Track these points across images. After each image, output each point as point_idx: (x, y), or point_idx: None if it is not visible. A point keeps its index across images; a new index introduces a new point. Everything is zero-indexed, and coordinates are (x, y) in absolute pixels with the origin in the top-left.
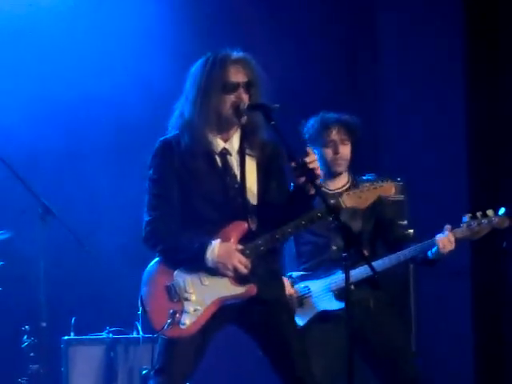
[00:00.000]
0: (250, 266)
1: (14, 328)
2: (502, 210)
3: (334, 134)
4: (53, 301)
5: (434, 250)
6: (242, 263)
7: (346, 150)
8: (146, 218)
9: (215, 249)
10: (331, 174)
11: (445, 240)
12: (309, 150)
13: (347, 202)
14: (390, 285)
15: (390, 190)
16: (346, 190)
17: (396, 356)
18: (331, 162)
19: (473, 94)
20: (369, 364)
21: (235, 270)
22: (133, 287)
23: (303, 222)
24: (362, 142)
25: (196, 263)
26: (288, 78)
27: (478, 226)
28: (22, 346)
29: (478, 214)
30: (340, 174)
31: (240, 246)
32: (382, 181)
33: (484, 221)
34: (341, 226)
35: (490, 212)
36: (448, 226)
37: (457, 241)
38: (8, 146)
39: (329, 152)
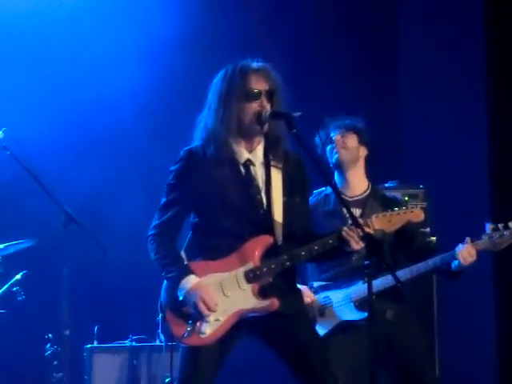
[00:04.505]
0: (215, 309)
1: (37, 336)
2: None
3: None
4: (76, 309)
5: (456, 262)
6: (206, 303)
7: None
8: (155, 220)
9: (189, 282)
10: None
11: (465, 253)
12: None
13: (376, 224)
14: (412, 291)
15: (419, 215)
16: (368, 195)
17: (416, 367)
18: None
19: (495, 102)
20: (390, 374)
21: (203, 307)
22: (156, 295)
23: (330, 241)
24: (384, 148)
25: (171, 284)
26: (308, 85)
27: (499, 238)
28: (46, 354)
29: (500, 225)
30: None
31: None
32: (412, 206)
33: (506, 232)
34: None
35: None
36: (468, 239)
37: (478, 252)
38: (30, 154)
39: None
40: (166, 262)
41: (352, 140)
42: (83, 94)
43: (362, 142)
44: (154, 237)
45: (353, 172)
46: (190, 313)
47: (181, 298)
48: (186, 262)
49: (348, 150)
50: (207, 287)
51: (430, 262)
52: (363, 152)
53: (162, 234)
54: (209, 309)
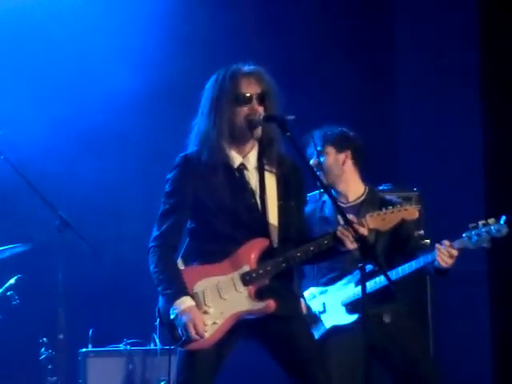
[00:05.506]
0: (204, 335)
1: (31, 340)
2: (502, 219)
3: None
4: (70, 313)
5: (436, 262)
6: (197, 327)
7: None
8: (155, 231)
9: (183, 304)
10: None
11: (442, 255)
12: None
13: (370, 223)
14: (406, 294)
15: (413, 213)
16: (363, 200)
17: (418, 367)
18: None
19: (490, 106)
20: (391, 376)
21: (193, 330)
22: (150, 299)
23: (325, 242)
24: (379, 151)
25: (166, 299)
26: (304, 87)
27: (477, 236)
28: (40, 358)
29: (480, 222)
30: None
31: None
32: (406, 204)
33: (483, 230)
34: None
35: (491, 220)
36: (445, 241)
37: (459, 251)
38: (27, 157)
39: None
40: (163, 277)
41: (329, 156)
42: (81, 95)
43: (339, 150)
44: (155, 249)
45: (344, 183)
46: (179, 332)
47: (172, 317)
48: (183, 267)
49: (327, 170)
50: (199, 313)
51: (414, 264)
52: (344, 157)
53: (163, 246)
54: (198, 333)
